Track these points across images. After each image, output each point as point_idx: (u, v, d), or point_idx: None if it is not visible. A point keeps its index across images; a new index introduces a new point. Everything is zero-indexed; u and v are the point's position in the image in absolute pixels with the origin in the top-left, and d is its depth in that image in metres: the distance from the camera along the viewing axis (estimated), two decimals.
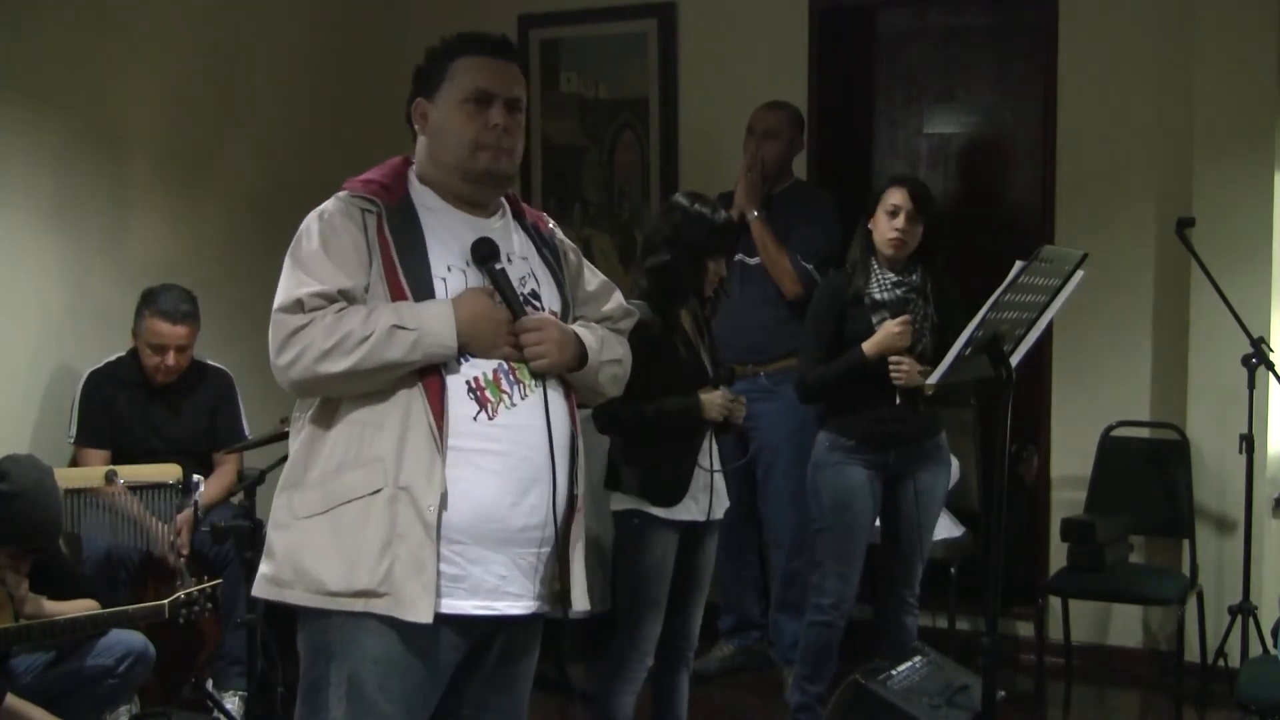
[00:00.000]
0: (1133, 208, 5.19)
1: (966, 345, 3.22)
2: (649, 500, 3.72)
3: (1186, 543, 5.03)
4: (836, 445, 4.23)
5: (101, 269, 4.89)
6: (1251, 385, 4.62)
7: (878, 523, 4.37)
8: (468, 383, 2.53)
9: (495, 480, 2.51)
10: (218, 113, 5.36)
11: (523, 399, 2.57)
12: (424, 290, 2.54)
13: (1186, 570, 4.99)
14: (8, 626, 3.67)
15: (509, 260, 2.65)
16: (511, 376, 2.57)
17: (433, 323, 2.48)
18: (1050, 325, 3.72)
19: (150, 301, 4.60)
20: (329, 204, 2.61)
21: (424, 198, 2.65)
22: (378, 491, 2.46)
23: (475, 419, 2.51)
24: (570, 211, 6.23)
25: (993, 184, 6.04)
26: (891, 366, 4.10)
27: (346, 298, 2.50)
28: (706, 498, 3.79)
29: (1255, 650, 4.64)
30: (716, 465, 3.80)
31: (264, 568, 2.59)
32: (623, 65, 6.06)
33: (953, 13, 6.06)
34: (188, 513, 4.44)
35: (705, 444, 3.78)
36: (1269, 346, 4.64)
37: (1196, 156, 4.95)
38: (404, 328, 2.45)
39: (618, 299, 2.92)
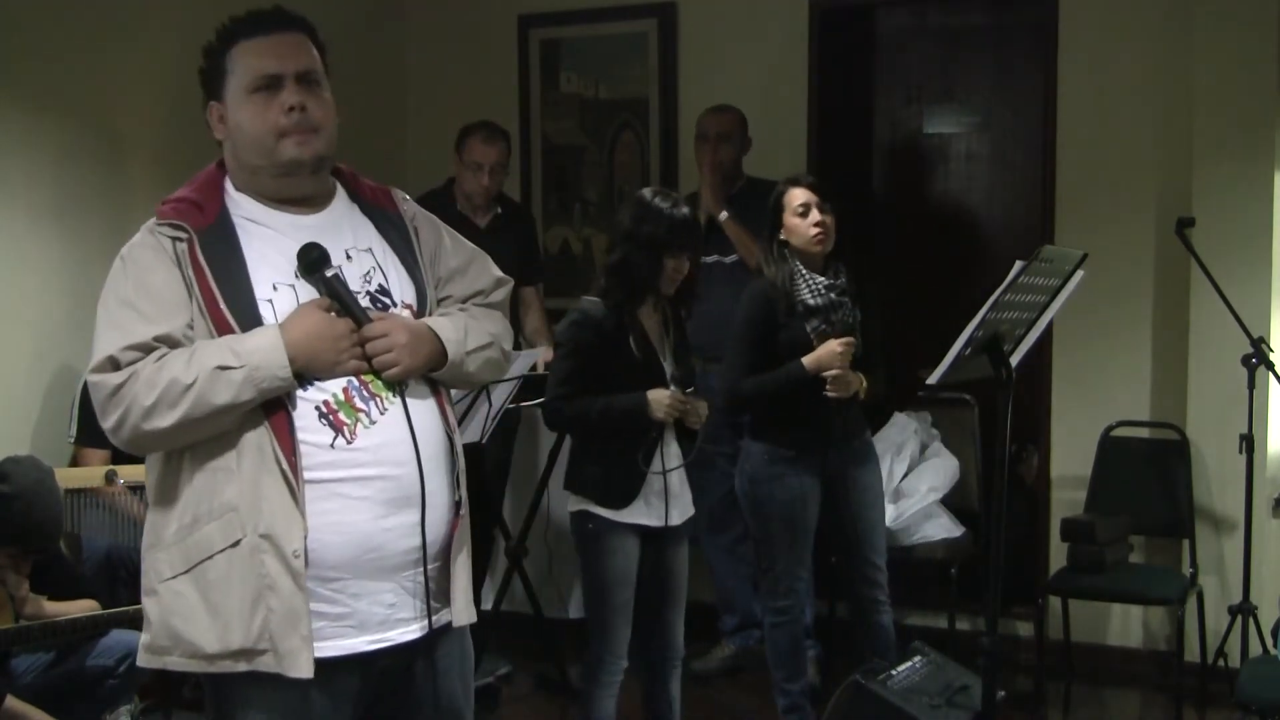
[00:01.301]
0: (1133, 208, 5.19)
1: (966, 345, 3.22)
2: (598, 502, 3.67)
3: (1186, 543, 5.03)
4: (776, 457, 4.18)
5: (101, 269, 4.83)
6: (1251, 385, 4.62)
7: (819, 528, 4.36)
8: (317, 408, 2.31)
9: (365, 507, 2.31)
10: None
11: (382, 414, 2.35)
12: (250, 318, 2.30)
13: (1186, 570, 4.99)
14: (8, 627, 3.67)
15: (347, 257, 2.41)
16: (365, 392, 2.34)
17: (260, 354, 2.24)
18: (1050, 325, 3.71)
19: None
20: (137, 238, 2.40)
21: (242, 207, 2.41)
22: (238, 543, 2.25)
23: (333, 445, 2.30)
24: (570, 211, 6.23)
25: (993, 184, 6.04)
26: (830, 389, 4.07)
27: (166, 343, 2.28)
28: (661, 503, 3.71)
29: (1255, 650, 4.64)
30: (669, 467, 3.70)
31: (143, 637, 2.39)
32: (623, 65, 6.06)
33: (953, 13, 6.07)
34: None
35: (660, 447, 3.69)
36: (1269, 346, 4.64)
37: (1196, 156, 4.95)
38: (229, 366, 2.22)
39: (488, 270, 2.67)
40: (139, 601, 3.83)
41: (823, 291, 4.16)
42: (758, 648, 5.34)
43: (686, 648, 3.96)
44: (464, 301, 2.61)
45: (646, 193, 3.78)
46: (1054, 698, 5.01)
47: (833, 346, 4.06)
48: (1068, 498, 5.30)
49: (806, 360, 4.07)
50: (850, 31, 5.98)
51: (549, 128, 6.24)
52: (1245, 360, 4.60)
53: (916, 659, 3.88)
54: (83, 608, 3.89)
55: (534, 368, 4.85)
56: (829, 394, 4.07)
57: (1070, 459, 5.32)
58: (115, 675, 3.94)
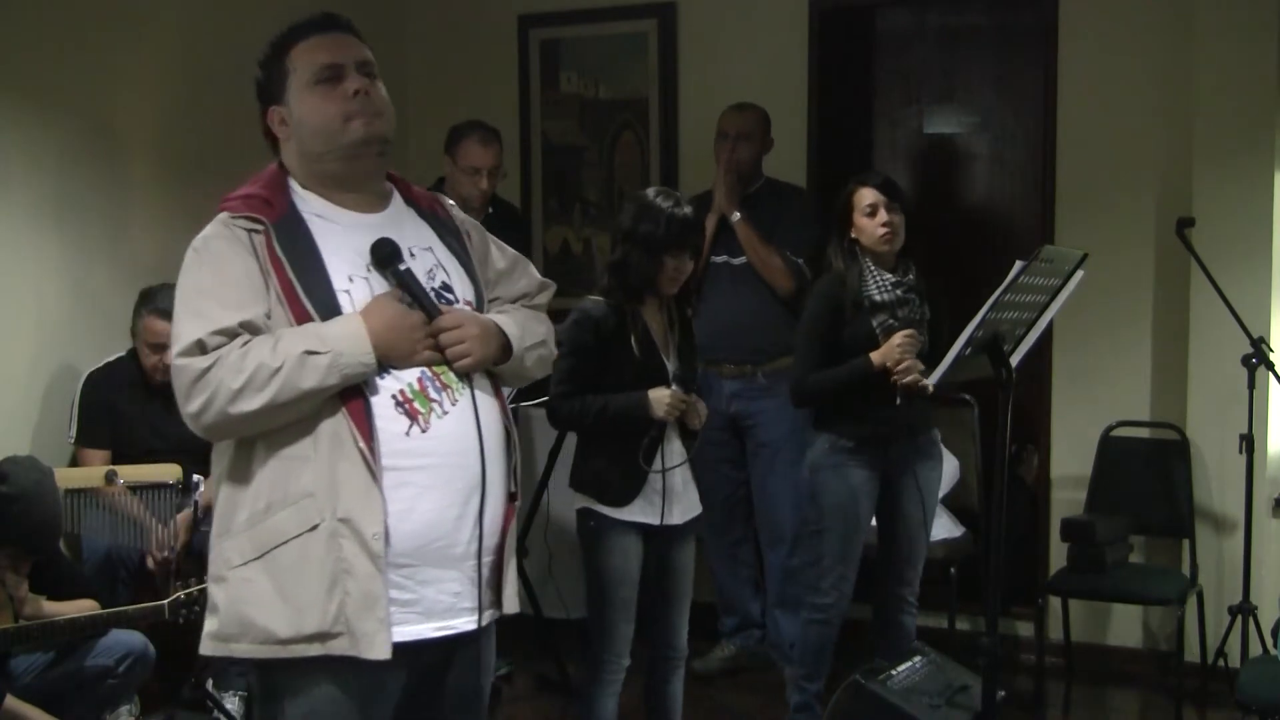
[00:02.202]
0: (1133, 208, 5.19)
1: (966, 345, 3.22)
2: (598, 500, 3.68)
3: (1186, 543, 5.04)
4: (837, 447, 4.21)
5: (101, 269, 4.88)
6: (1251, 385, 4.62)
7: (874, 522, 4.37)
8: (393, 397, 2.38)
9: (438, 496, 2.39)
10: (217, 113, 5.34)
11: (453, 404, 2.43)
12: (329, 307, 2.38)
13: (1186, 570, 4.99)
14: (7, 627, 3.67)
15: (412, 255, 2.50)
16: (437, 383, 2.43)
17: (345, 341, 2.32)
18: (1050, 325, 3.72)
19: (148, 301, 4.60)
20: (210, 229, 2.46)
21: (309, 204, 2.49)
22: (315, 528, 2.32)
23: (407, 434, 2.37)
24: (570, 211, 6.23)
25: (993, 184, 6.04)
26: (896, 376, 4.08)
27: (249, 330, 2.35)
28: (664, 500, 3.70)
29: (1255, 650, 4.64)
30: (669, 466, 3.70)
31: (208, 624, 2.44)
32: (623, 65, 6.06)
33: (952, 13, 6.07)
34: (187, 512, 4.44)
35: (661, 445, 3.69)
36: (1269, 346, 4.64)
37: (1196, 156, 4.95)
38: (316, 352, 2.30)
39: (531, 273, 2.79)
40: (139, 601, 3.85)
41: (889, 288, 4.18)
42: (757, 648, 5.35)
43: (686, 647, 3.95)
44: (511, 303, 2.71)
45: (649, 192, 3.78)
46: (1054, 698, 5.01)
47: (894, 340, 4.09)
48: (1068, 498, 5.30)
49: (873, 355, 4.10)
50: (850, 31, 5.98)
51: (549, 128, 6.24)
52: (1245, 360, 4.60)
53: (917, 659, 3.88)
54: (82, 608, 3.89)
55: None
56: (898, 382, 4.06)
57: (1070, 459, 5.32)
58: (115, 675, 3.95)
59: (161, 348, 4.59)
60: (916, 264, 4.27)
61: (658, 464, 3.68)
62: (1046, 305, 3.40)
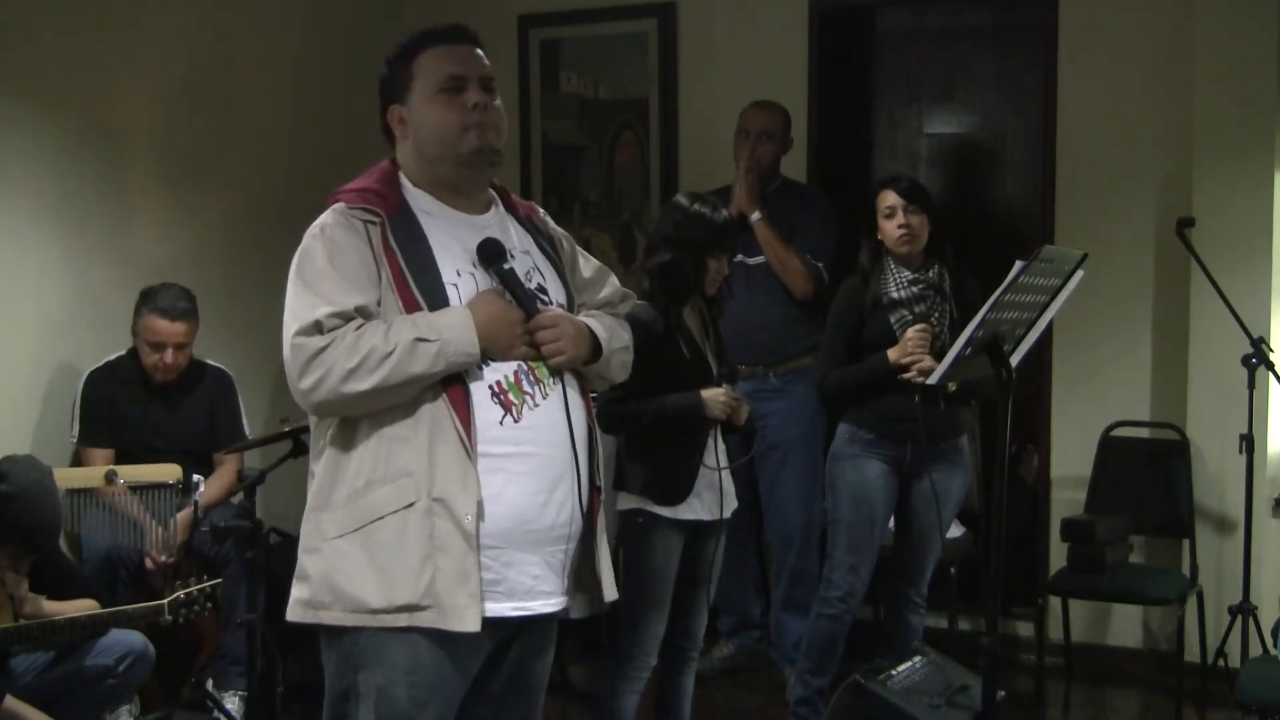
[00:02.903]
0: (1133, 208, 5.19)
1: (966, 345, 3.22)
2: (653, 499, 3.73)
3: (1186, 543, 5.04)
4: (855, 438, 4.26)
5: (102, 269, 4.88)
6: (1251, 385, 4.62)
7: (891, 522, 4.38)
8: (490, 387, 2.52)
9: (526, 483, 2.52)
10: (217, 113, 5.36)
11: (544, 398, 2.57)
12: (438, 298, 2.52)
13: (1186, 570, 4.99)
14: (7, 626, 3.67)
15: (512, 256, 2.63)
16: (531, 377, 2.57)
17: (453, 331, 2.47)
18: (1050, 325, 3.71)
19: (148, 299, 4.60)
20: (327, 218, 2.58)
21: (419, 201, 2.63)
22: (411, 505, 2.45)
23: (501, 423, 2.51)
24: (570, 211, 6.23)
25: (993, 184, 6.04)
26: (913, 370, 4.10)
27: (362, 314, 2.48)
28: (712, 496, 3.79)
29: (1255, 650, 4.64)
30: (723, 463, 3.80)
31: (297, 592, 2.56)
32: (622, 65, 6.06)
33: (953, 13, 6.07)
34: (187, 512, 4.44)
35: (710, 443, 3.78)
36: (1269, 346, 4.64)
37: (1196, 156, 4.95)
38: (426, 339, 2.44)
39: (614, 283, 2.93)
40: (139, 600, 3.85)
41: (906, 285, 4.22)
42: (756, 647, 5.35)
43: (701, 642, 3.98)
44: (596, 310, 2.84)
45: (684, 199, 3.89)
46: (1054, 698, 5.01)
47: (910, 334, 4.13)
48: (1068, 498, 5.30)
49: (890, 352, 4.15)
50: (850, 31, 5.98)
51: (549, 128, 6.24)
52: (1245, 360, 4.60)
53: (917, 659, 3.88)
54: (82, 607, 3.89)
55: None
56: (909, 376, 4.09)
57: (1070, 459, 5.32)
58: (115, 675, 3.95)
59: (161, 346, 4.59)
60: (948, 264, 4.29)
61: (710, 460, 3.77)
62: (1046, 305, 3.39)
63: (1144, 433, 5.18)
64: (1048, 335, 4.86)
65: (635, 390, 3.67)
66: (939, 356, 4.11)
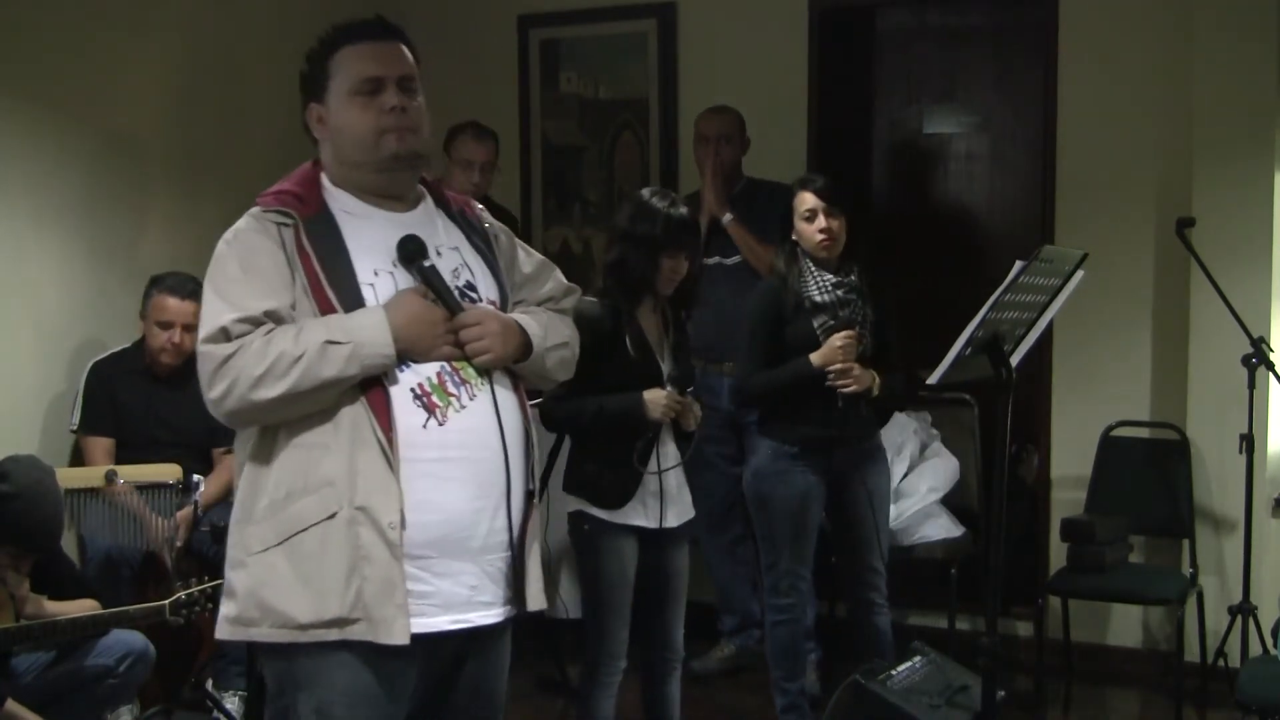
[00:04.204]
0: (1133, 208, 5.19)
1: (967, 345, 3.22)
2: (593, 503, 3.65)
3: (1186, 543, 5.04)
4: (780, 453, 4.19)
5: (104, 268, 4.89)
6: (1251, 385, 4.62)
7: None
8: (412, 390, 2.43)
9: (456, 489, 2.43)
10: (221, 112, 5.36)
11: (471, 399, 2.47)
12: (353, 299, 2.43)
13: (1186, 570, 4.99)
14: (9, 626, 3.67)
15: (438, 254, 2.54)
16: (457, 377, 2.47)
17: (366, 332, 2.37)
18: (1050, 325, 3.71)
19: (158, 283, 4.66)
20: (241, 223, 2.51)
21: (341, 201, 2.54)
22: (333, 515, 2.36)
23: (425, 427, 2.41)
24: (570, 211, 6.23)
25: (993, 184, 6.05)
26: (839, 382, 4.08)
27: (273, 319, 2.40)
28: (657, 503, 3.69)
29: (1255, 650, 4.64)
30: (664, 467, 3.68)
31: (225, 608, 2.48)
32: (622, 65, 6.06)
33: (953, 13, 6.07)
34: (187, 511, 4.44)
35: (656, 447, 3.68)
36: (1269, 346, 4.64)
37: (1196, 156, 4.95)
38: (337, 342, 2.35)
39: (557, 278, 2.83)
40: (140, 600, 3.85)
41: (829, 288, 4.17)
42: (757, 647, 5.34)
43: (686, 648, 3.95)
44: (536, 306, 2.75)
45: (645, 192, 3.78)
46: (1054, 698, 5.01)
47: (835, 341, 4.08)
48: (1068, 498, 5.30)
49: (814, 357, 4.09)
50: (850, 31, 5.98)
51: (549, 128, 6.24)
52: (1245, 360, 4.60)
53: (916, 659, 3.87)
54: (83, 607, 3.89)
55: None
56: (839, 389, 4.07)
57: (1070, 459, 5.32)
58: (115, 675, 3.95)
59: (169, 325, 4.61)
60: (860, 265, 4.25)
61: (653, 465, 3.67)
62: (1046, 305, 3.40)
63: (1144, 433, 5.18)
64: (1048, 335, 4.86)
65: (578, 389, 3.59)
66: (861, 361, 4.12)
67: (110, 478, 4.31)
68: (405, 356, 2.42)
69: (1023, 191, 5.85)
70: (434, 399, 2.44)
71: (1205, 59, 4.92)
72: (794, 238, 4.23)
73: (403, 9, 6.27)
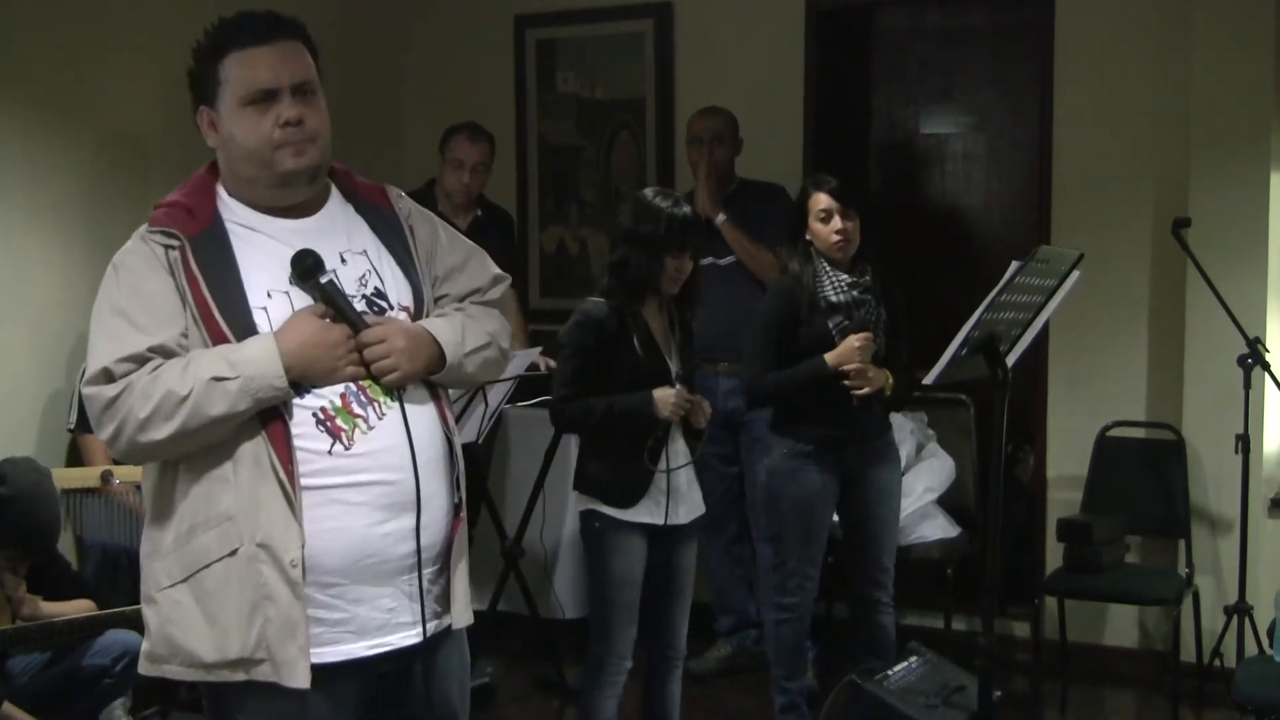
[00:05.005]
0: (1129, 208, 5.19)
1: (963, 345, 3.23)
2: (604, 501, 3.67)
3: (1182, 543, 5.04)
4: (795, 452, 4.20)
5: (102, 267, 4.87)
6: (1247, 385, 4.62)
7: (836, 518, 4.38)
8: (315, 415, 2.29)
9: (363, 513, 2.30)
10: None
11: (380, 419, 2.33)
12: (244, 326, 2.28)
13: (1182, 570, 5.00)
14: (5, 628, 3.67)
15: (342, 261, 2.39)
16: (363, 397, 2.33)
17: (255, 365, 2.22)
18: (1046, 325, 3.72)
19: None
20: (129, 244, 2.37)
21: (234, 213, 2.38)
22: (235, 552, 2.24)
23: (330, 452, 2.29)
24: (567, 211, 6.23)
25: (989, 184, 6.05)
26: (853, 382, 4.09)
27: (161, 354, 2.26)
28: (671, 500, 3.71)
29: (1251, 650, 4.64)
30: (674, 465, 3.71)
31: (144, 644, 2.38)
32: (619, 65, 6.06)
33: (950, 13, 6.08)
34: None
35: (666, 445, 3.70)
36: (1265, 347, 4.64)
37: (1193, 157, 4.95)
38: (224, 377, 2.20)
39: (485, 266, 2.64)
40: (136, 600, 3.82)
41: (845, 289, 4.18)
42: (754, 647, 5.35)
43: (685, 649, 3.97)
44: (461, 299, 2.58)
45: (647, 192, 3.79)
46: (1050, 698, 5.01)
47: (851, 342, 4.09)
48: (1064, 498, 5.30)
49: (829, 357, 4.10)
50: (847, 31, 5.99)
51: (545, 128, 6.24)
52: (1241, 360, 4.60)
53: (913, 659, 3.88)
54: (79, 608, 3.89)
55: (533, 367, 4.85)
56: (851, 390, 4.09)
57: (1066, 459, 5.32)
58: (111, 675, 3.95)
59: None
60: (873, 265, 4.26)
61: (663, 464, 3.68)
62: (1043, 305, 3.40)
63: (1140, 433, 5.19)
64: (1044, 335, 4.86)
65: (587, 389, 3.66)
66: (875, 361, 4.13)
67: (106, 477, 4.30)
68: (305, 382, 2.28)
69: (1019, 192, 5.86)
70: (338, 422, 2.30)
71: (1202, 60, 4.92)
72: (808, 238, 4.22)
73: (399, 9, 6.30)
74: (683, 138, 5.82)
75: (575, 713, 4.78)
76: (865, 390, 4.10)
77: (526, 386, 4.93)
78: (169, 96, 5.15)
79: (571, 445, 5.33)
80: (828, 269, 4.20)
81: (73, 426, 4.63)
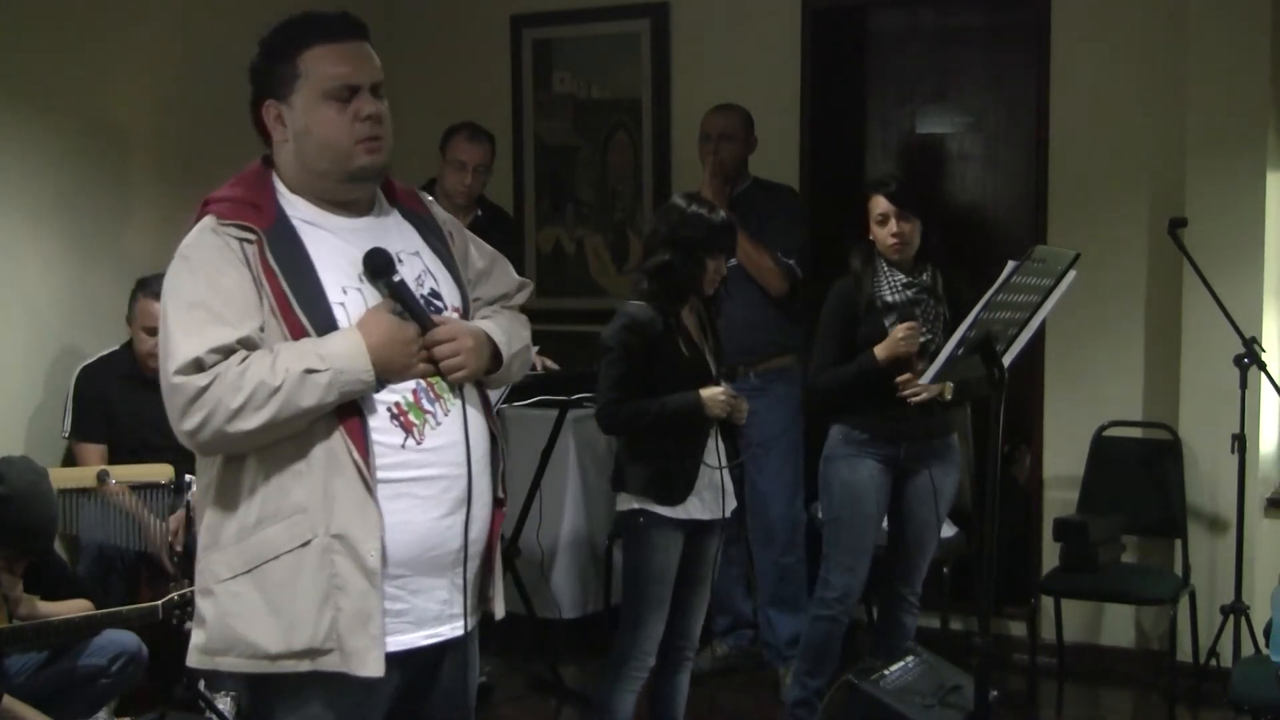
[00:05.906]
0: (1125, 208, 5.20)
1: (959, 345, 3.23)
2: (653, 499, 3.74)
3: (1179, 543, 5.04)
4: (850, 439, 4.25)
5: (99, 266, 4.89)
6: (1243, 385, 4.63)
7: (885, 521, 4.38)
8: (390, 410, 2.36)
9: (431, 507, 2.38)
10: (215, 111, 5.32)
11: (445, 415, 2.42)
12: (324, 321, 2.33)
13: (1179, 570, 5.00)
14: (2, 627, 3.67)
15: (400, 262, 2.44)
16: (431, 394, 2.41)
17: (344, 359, 2.29)
18: (1043, 325, 3.72)
19: (144, 286, 4.61)
20: (198, 236, 2.38)
21: (296, 208, 2.43)
22: (307, 543, 2.29)
23: (403, 446, 2.36)
24: (564, 212, 6.23)
25: (985, 184, 6.05)
26: (906, 392, 4.12)
27: (246, 346, 2.30)
28: (713, 495, 3.81)
29: (1247, 650, 4.65)
30: (723, 462, 3.82)
31: (195, 637, 2.40)
32: (615, 65, 6.06)
33: (945, 13, 6.07)
34: (181, 513, 4.43)
35: (710, 442, 3.80)
36: (1261, 346, 4.65)
37: (1189, 157, 4.96)
38: (315, 370, 2.26)
39: (510, 272, 2.76)
40: (133, 601, 3.83)
41: (900, 288, 4.22)
42: (750, 648, 5.35)
43: (697, 642, 4.00)
44: (491, 304, 2.67)
45: (681, 200, 3.91)
46: (1046, 697, 5.02)
47: (895, 333, 4.13)
48: (1060, 498, 5.31)
49: (877, 349, 4.15)
50: (843, 31, 5.99)
51: (542, 128, 6.24)
52: (1237, 360, 4.60)
53: (910, 659, 3.88)
54: (76, 608, 3.89)
55: (533, 368, 4.85)
56: (907, 399, 4.12)
57: (1063, 459, 5.33)
58: (108, 675, 3.95)
59: (156, 331, 4.58)
60: (939, 265, 4.29)
61: (711, 458, 3.78)
62: (1039, 305, 3.40)
63: (1136, 433, 5.19)
64: (1040, 335, 4.86)
65: (636, 391, 3.74)
66: (931, 357, 4.13)
67: (102, 478, 4.29)
68: (381, 378, 2.34)
69: (1015, 191, 5.86)
70: (410, 418, 2.38)
71: (1198, 59, 4.93)
72: (869, 237, 4.27)
73: (396, 9, 6.29)
74: (679, 138, 5.85)
75: (578, 710, 4.79)
76: (921, 398, 4.12)
77: (523, 386, 4.93)
78: (158, 94, 5.17)
79: (570, 445, 5.36)
80: (885, 269, 4.25)
81: (67, 434, 4.62)
